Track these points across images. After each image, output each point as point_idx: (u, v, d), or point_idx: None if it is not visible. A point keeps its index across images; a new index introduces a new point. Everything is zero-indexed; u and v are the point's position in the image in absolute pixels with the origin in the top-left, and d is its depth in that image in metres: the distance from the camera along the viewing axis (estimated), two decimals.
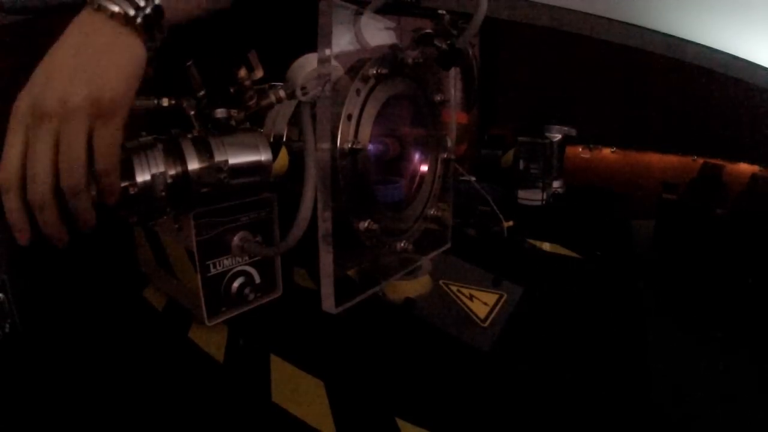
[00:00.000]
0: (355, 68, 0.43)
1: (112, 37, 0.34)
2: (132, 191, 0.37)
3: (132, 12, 0.34)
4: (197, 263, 0.44)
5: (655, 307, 0.59)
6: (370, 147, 0.45)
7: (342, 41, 0.41)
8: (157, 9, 0.36)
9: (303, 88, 0.41)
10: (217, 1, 0.52)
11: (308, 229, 0.41)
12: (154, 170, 0.38)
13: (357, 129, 0.43)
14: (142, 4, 0.35)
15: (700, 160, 1.25)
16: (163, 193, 0.39)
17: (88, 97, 0.32)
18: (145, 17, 0.35)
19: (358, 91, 0.43)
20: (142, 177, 0.38)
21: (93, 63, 0.33)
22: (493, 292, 0.55)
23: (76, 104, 0.32)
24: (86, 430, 0.34)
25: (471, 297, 0.54)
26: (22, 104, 0.32)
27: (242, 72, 0.43)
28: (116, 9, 0.34)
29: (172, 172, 0.39)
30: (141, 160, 0.38)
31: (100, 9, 0.34)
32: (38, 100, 0.32)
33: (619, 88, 1.33)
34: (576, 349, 0.45)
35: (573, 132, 1.00)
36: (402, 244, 0.49)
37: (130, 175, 0.37)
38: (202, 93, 0.42)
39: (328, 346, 0.45)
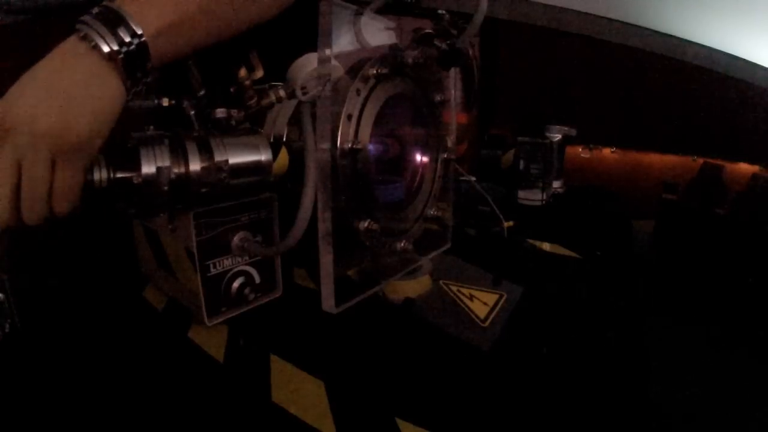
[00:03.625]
0: (355, 68, 0.43)
1: (90, 72, 0.33)
2: (136, 181, 0.37)
3: (115, 47, 0.32)
4: (197, 263, 0.44)
5: (655, 306, 0.59)
6: (370, 147, 0.44)
7: (342, 41, 0.41)
8: (143, 48, 0.34)
9: (303, 88, 0.41)
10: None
11: (308, 229, 0.41)
12: (160, 163, 0.38)
13: (357, 129, 0.43)
14: (127, 39, 0.33)
15: (700, 160, 1.26)
16: (166, 188, 0.39)
17: (54, 127, 0.31)
18: (128, 55, 0.33)
19: (358, 91, 0.43)
20: (148, 168, 0.38)
21: (66, 93, 0.32)
22: (493, 292, 0.55)
23: (41, 130, 0.31)
24: (86, 430, 0.34)
25: (471, 297, 0.54)
26: None
27: (242, 72, 0.43)
28: (99, 41, 0.32)
29: (175, 169, 0.39)
30: (148, 151, 0.38)
31: (85, 38, 0.32)
32: (5, 112, 0.31)
33: (619, 88, 1.33)
34: (576, 349, 0.45)
35: (573, 132, 1.00)
36: (402, 244, 0.49)
37: (135, 165, 0.37)
38: (202, 93, 0.42)
39: (328, 346, 0.45)
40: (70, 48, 0.33)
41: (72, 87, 0.32)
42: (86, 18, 0.33)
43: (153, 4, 0.35)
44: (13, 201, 0.33)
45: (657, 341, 0.50)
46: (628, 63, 1.30)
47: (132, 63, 0.34)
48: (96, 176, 0.36)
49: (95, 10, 0.33)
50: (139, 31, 0.33)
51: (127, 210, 0.40)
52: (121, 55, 0.33)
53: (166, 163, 0.38)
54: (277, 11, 0.45)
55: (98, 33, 0.32)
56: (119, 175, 0.37)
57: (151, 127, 0.41)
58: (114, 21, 0.33)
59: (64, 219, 0.35)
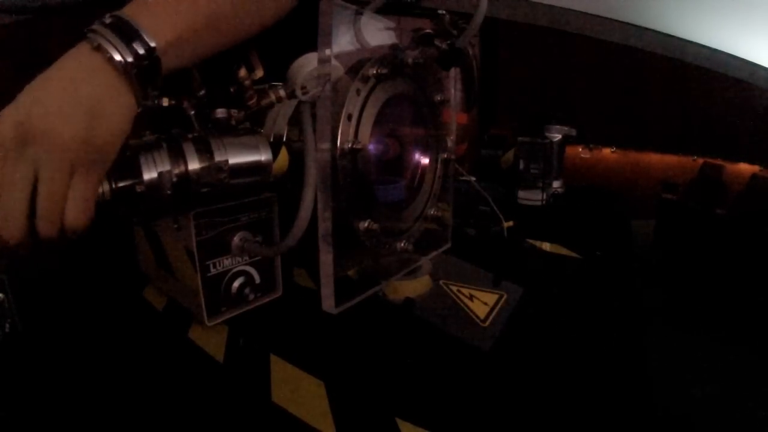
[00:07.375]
0: (355, 68, 0.43)
1: (107, 84, 0.33)
2: (139, 189, 0.37)
3: (130, 60, 0.32)
4: (197, 263, 0.44)
5: (654, 306, 0.59)
6: (370, 147, 0.45)
7: (342, 41, 0.41)
8: (155, 62, 0.34)
9: (303, 87, 0.41)
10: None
11: (308, 229, 0.41)
12: (161, 168, 0.38)
13: (357, 129, 0.43)
14: (141, 52, 0.33)
15: (700, 160, 1.25)
16: (169, 192, 0.39)
17: (78, 136, 0.31)
18: (141, 69, 0.33)
19: (358, 91, 0.43)
20: (149, 175, 0.38)
21: (86, 104, 0.31)
22: (493, 292, 0.55)
23: (65, 140, 0.31)
24: (86, 430, 0.34)
25: (471, 297, 0.54)
26: (4, 126, 0.30)
27: (242, 72, 0.43)
28: (115, 54, 0.32)
29: (176, 171, 0.39)
30: (147, 158, 0.38)
31: (99, 49, 0.32)
32: (24, 121, 0.30)
33: (619, 88, 1.33)
34: (576, 349, 0.45)
35: (573, 132, 1.00)
36: (402, 244, 0.49)
37: (136, 173, 0.37)
38: (202, 93, 0.42)
39: (328, 346, 0.45)
40: (85, 60, 0.32)
41: (91, 99, 0.32)
42: (99, 28, 0.32)
43: (164, 18, 0.35)
44: (28, 215, 0.32)
45: (657, 341, 0.50)
46: (628, 63, 1.30)
47: (145, 76, 0.34)
48: (99, 190, 0.35)
49: (107, 19, 0.33)
50: (153, 44, 0.33)
51: (131, 217, 0.39)
52: (135, 70, 0.33)
53: (166, 167, 0.38)
54: (274, 21, 0.45)
55: (113, 45, 0.32)
56: (121, 184, 0.37)
57: (148, 133, 0.41)
58: (129, 34, 0.32)
59: (78, 237, 0.34)
